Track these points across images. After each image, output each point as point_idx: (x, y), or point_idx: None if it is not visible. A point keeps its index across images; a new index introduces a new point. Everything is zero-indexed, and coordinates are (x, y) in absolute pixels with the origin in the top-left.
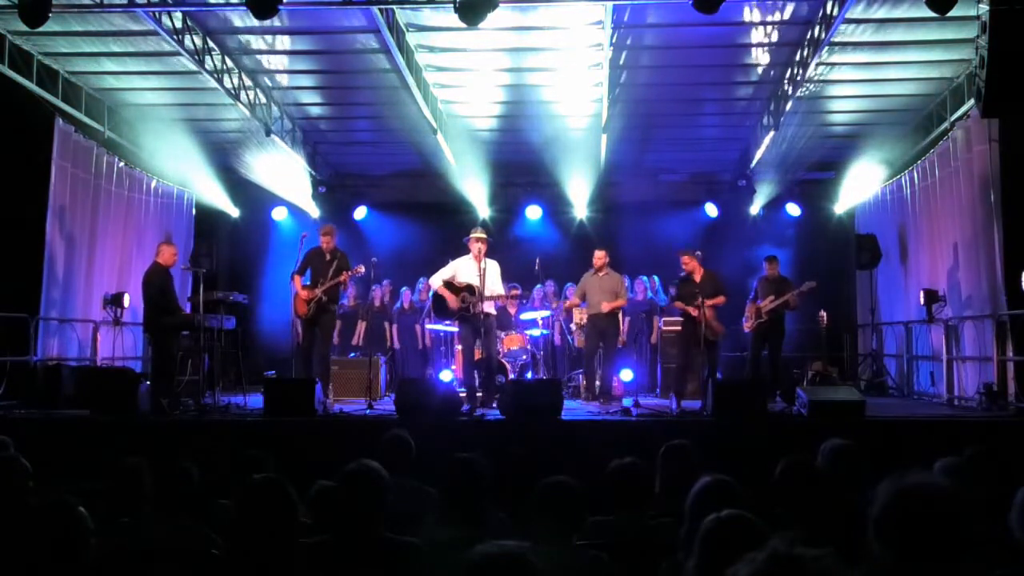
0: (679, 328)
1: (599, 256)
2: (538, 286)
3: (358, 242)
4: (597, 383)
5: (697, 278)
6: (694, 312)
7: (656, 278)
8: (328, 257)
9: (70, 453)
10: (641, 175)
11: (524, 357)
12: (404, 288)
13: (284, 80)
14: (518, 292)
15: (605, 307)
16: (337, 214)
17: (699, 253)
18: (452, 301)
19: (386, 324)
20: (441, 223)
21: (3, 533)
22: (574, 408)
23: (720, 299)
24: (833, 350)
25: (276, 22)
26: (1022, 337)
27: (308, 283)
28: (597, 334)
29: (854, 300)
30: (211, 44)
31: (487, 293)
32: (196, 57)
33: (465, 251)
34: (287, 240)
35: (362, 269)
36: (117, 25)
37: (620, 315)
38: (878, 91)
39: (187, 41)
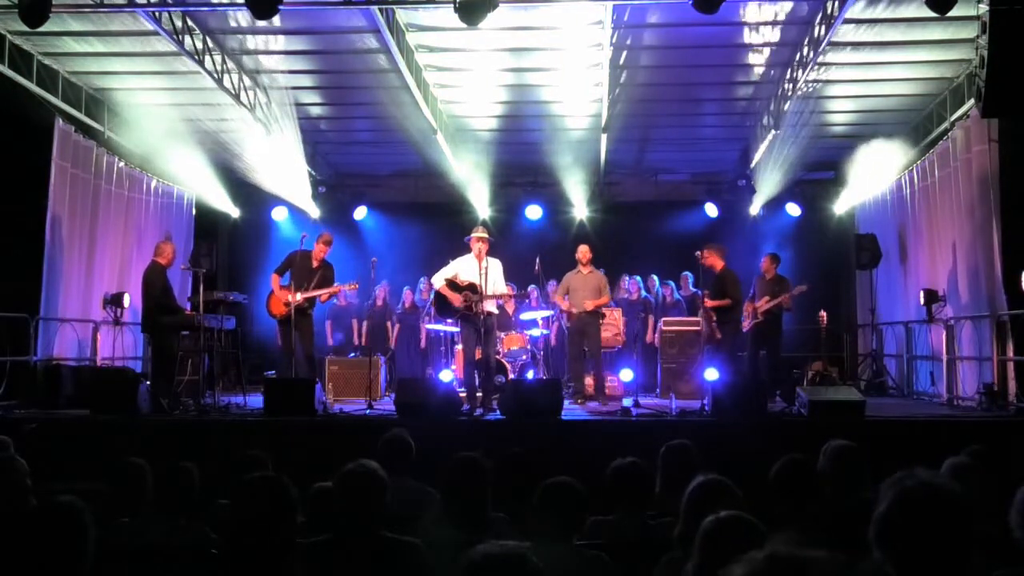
0: (680, 328)
1: (583, 250)
2: (531, 285)
3: (358, 242)
4: (590, 382)
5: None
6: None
7: (655, 277)
8: (315, 265)
9: (70, 453)
10: (641, 175)
11: (524, 357)
12: (406, 287)
13: (284, 80)
14: (513, 291)
15: (589, 305)
16: (337, 214)
17: (699, 254)
18: (456, 300)
19: (388, 324)
20: (441, 223)
21: (3, 533)
22: (574, 408)
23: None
24: (833, 350)
25: (276, 22)
26: (1022, 337)
27: (286, 284)
28: (578, 334)
29: (854, 300)
30: (211, 44)
31: (490, 291)
32: (196, 57)
33: (466, 250)
34: (287, 240)
35: (356, 286)
36: (117, 25)
37: (619, 313)
38: (878, 91)
39: (187, 41)
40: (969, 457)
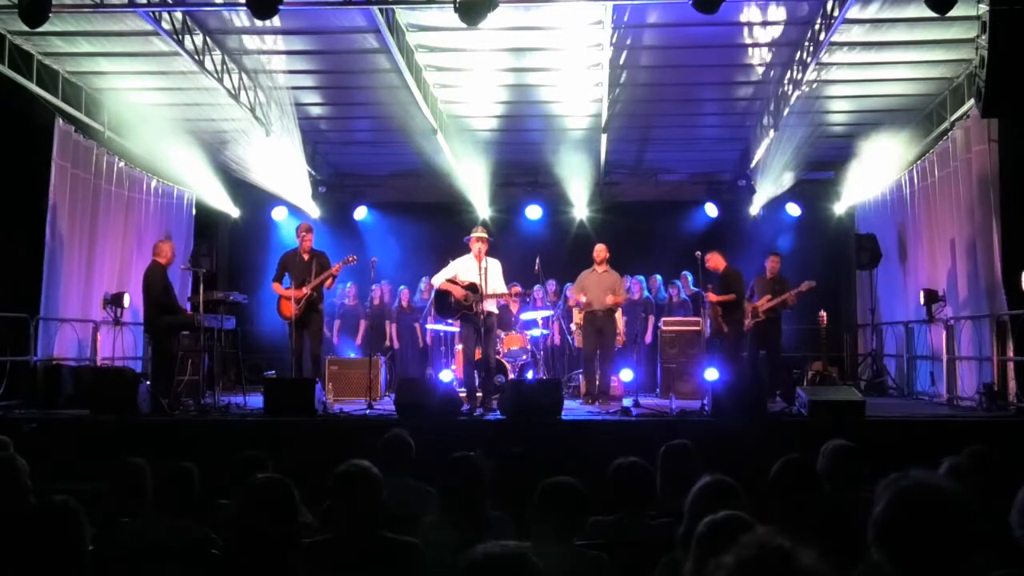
0: (680, 328)
1: (600, 249)
2: (536, 285)
3: (358, 242)
4: (597, 383)
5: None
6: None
7: (658, 277)
8: (307, 258)
9: (70, 453)
10: (641, 175)
11: (524, 357)
12: (402, 287)
13: (284, 80)
14: (519, 290)
15: (609, 300)
16: (337, 214)
17: (698, 254)
18: (457, 292)
19: (387, 323)
20: (441, 223)
21: (2, 533)
22: (574, 408)
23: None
24: (833, 350)
25: (276, 22)
26: (1022, 337)
27: (289, 287)
28: (595, 332)
29: (854, 300)
30: (211, 44)
31: (489, 292)
32: (196, 57)
33: (466, 250)
34: (287, 240)
35: (354, 258)
36: (117, 25)
37: (619, 313)
38: (878, 91)
39: (187, 41)
40: (968, 458)
